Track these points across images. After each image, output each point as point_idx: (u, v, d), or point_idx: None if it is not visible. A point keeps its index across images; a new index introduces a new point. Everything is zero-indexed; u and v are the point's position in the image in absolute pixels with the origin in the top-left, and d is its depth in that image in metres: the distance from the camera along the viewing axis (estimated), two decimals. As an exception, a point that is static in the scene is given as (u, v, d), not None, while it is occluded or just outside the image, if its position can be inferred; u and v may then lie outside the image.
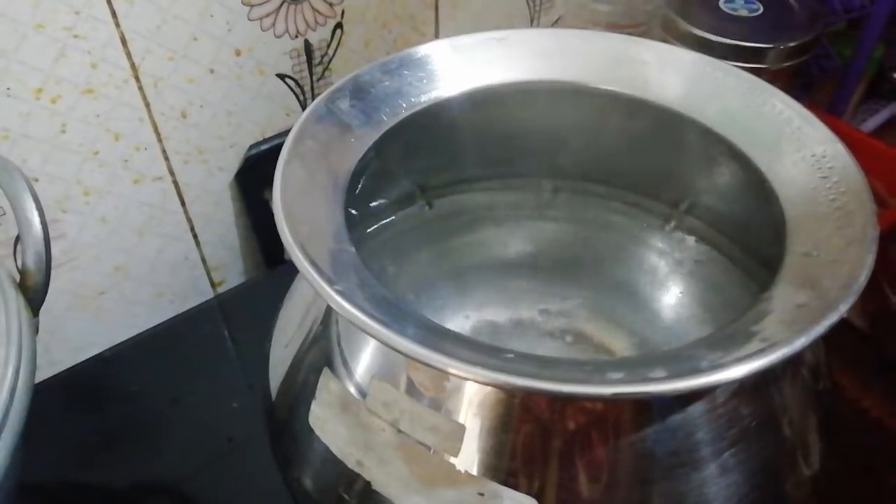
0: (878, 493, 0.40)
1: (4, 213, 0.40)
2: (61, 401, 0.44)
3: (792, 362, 0.22)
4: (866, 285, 0.55)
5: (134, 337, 0.47)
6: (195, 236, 0.48)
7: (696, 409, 0.20)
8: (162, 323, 0.48)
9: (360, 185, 0.24)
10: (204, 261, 0.50)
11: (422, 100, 0.27)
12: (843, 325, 0.56)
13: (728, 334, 0.18)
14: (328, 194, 0.22)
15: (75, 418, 0.42)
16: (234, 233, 0.50)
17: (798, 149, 0.24)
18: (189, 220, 0.47)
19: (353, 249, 0.21)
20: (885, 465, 0.41)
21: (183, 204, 0.46)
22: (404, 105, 0.26)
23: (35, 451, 0.35)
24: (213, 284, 0.52)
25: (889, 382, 0.46)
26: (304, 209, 0.21)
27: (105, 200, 0.43)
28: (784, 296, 0.19)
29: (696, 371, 0.16)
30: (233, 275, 0.52)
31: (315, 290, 0.19)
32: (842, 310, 0.18)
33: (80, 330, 0.47)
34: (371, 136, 0.25)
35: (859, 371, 0.48)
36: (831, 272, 0.19)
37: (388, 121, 0.26)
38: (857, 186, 0.22)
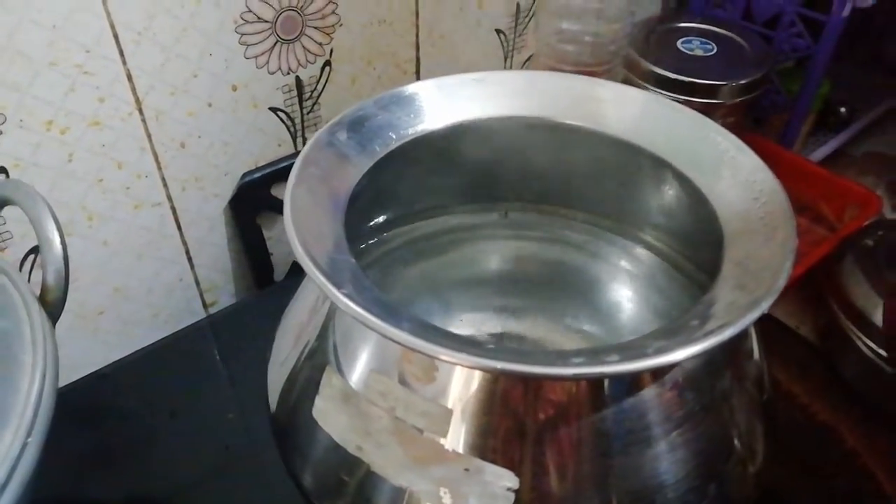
0: (824, 489, 0.43)
1: (12, 237, 0.42)
2: (60, 417, 0.46)
3: (729, 352, 0.26)
4: (817, 304, 0.59)
5: (130, 355, 0.49)
6: (190, 259, 0.51)
7: (648, 393, 0.23)
8: (156, 342, 0.50)
9: (356, 207, 0.28)
10: (197, 283, 0.53)
11: (409, 132, 0.30)
12: (797, 340, 0.60)
13: (672, 328, 0.22)
14: (330, 213, 0.26)
15: (75, 434, 0.43)
16: (227, 256, 0.53)
17: (733, 174, 0.28)
18: (185, 243, 0.50)
19: (353, 260, 0.24)
20: (831, 465, 0.45)
21: (179, 228, 0.49)
22: (394, 137, 0.30)
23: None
24: (205, 305, 0.54)
25: (836, 391, 0.50)
26: (310, 225, 0.24)
27: (107, 225, 0.46)
28: (720, 297, 0.23)
29: (644, 356, 0.20)
30: (224, 296, 0.55)
31: (323, 294, 0.22)
32: (764, 306, 0.21)
33: (79, 348, 0.49)
34: (365, 164, 0.29)
35: (810, 381, 0.51)
36: (759, 277, 0.23)
37: (379, 151, 0.29)
38: (781, 206, 0.26)
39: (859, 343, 0.52)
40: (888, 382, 0.48)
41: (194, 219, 0.49)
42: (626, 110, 0.31)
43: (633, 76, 0.58)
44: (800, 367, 0.53)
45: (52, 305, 0.32)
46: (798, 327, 0.58)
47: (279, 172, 0.51)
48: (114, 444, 0.43)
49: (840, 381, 0.50)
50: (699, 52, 0.60)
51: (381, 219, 0.33)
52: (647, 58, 0.57)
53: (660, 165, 0.30)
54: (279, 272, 0.56)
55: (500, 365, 0.19)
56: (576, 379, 0.22)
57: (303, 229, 0.24)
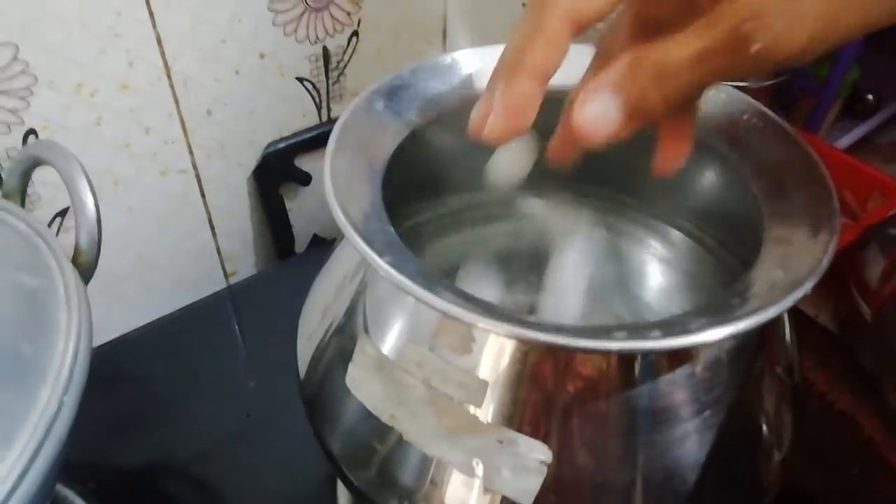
0: (841, 480, 0.43)
1: (40, 199, 0.42)
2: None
3: (764, 335, 0.26)
4: (838, 292, 0.58)
5: (152, 322, 0.49)
6: (212, 228, 0.51)
7: (681, 372, 0.23)
8: (178, 310, 0.50)
9: (391, 177, 0.27)
10: (219, 252, 0.53)
11: (446, 102, 0.30)
12: (816, 328, 0.60)
13: (713, 306, 0.21)
14: (368, 182, 0.26)
15: (97, 398, 0.44)
16: (249, 226, 0.53)
17: (773, 153, 0.27)
18: (208, 212, 0.50)
19: (392, 229, 0.24)
20: (849, 453, 0.45)
21: (203, 196, 0.49)
22: (430, 106, 0.30)
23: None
24: (226, 275, 0.54)
25: (856, 381, 0.50)
26: (349, 193, 0.24)
27: (133, 191, 0.46)
28: (761, 276, 0.23)
29: (687, 332, 0.20)
30: (245, 266, 0.55)
31: (357, 263, 0.22)
32: (807, 286, 0.21)
33: (102, 314, 0.49)
34: (401, 133, 0.29)
35: (829, 370, 0.51)
36: (801, 256, 0.23)
37: (416, 120, 0.29)
38: (822, 186, 0.25)
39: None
40: (910, 372, 0.48)
41: (218, 187, 0.49)
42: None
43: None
44: (818, 356, 0.53)
45: (84, 267, 0.32)
46: (817, 316, 0.58)
47: (303, 143, 0.51)
48: (136, 408, 0.44)
49: (859, 370, 0.50)
50: (729, 34, 0.59)
51: (411, 192, 0.33)
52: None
53: (696, 144, 0.29)
54: (300, 244, 0.56)
55: (543, 337, 0.19)
56: (620, 353, 0.22)
57: (343, 197, 0.23)
